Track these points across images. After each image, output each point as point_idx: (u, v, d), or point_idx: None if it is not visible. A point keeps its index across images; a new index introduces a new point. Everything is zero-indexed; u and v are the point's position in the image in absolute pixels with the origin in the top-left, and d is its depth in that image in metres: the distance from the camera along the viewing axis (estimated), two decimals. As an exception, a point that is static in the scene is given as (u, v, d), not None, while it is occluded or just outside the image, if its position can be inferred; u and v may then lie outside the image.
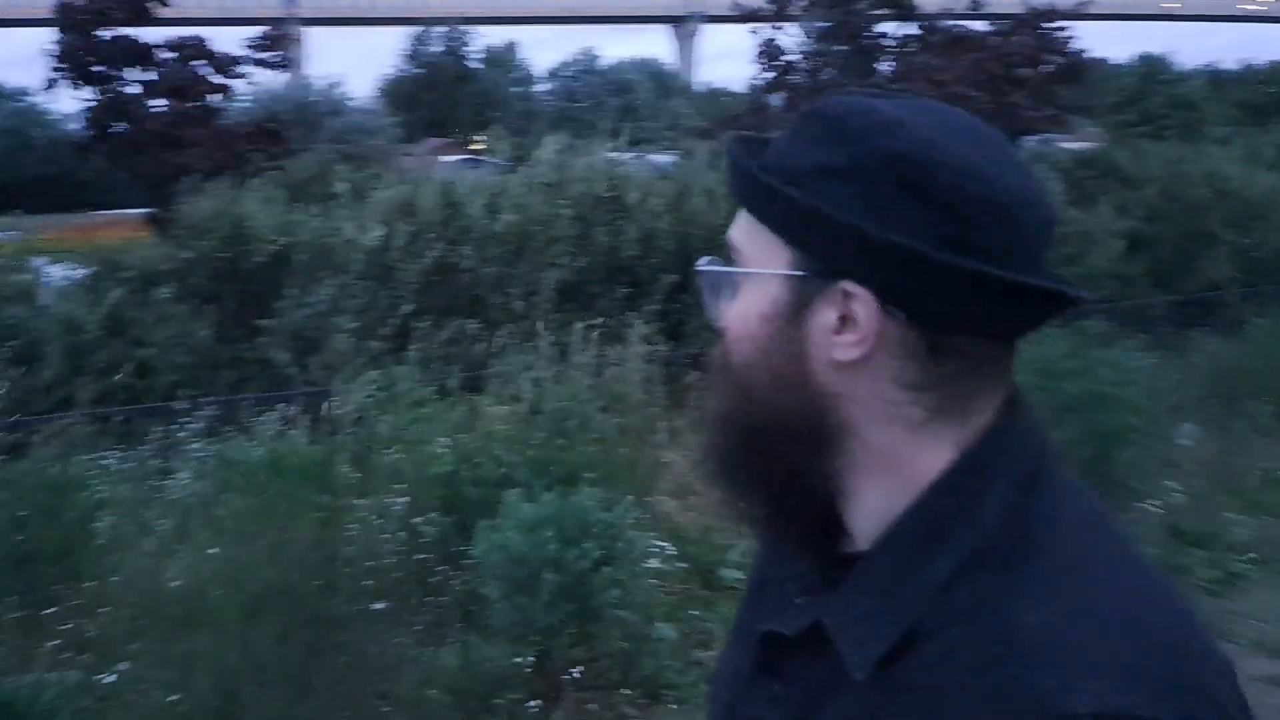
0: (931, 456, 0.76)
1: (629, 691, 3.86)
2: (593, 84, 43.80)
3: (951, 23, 14.58)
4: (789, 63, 14.18)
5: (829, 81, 13.49)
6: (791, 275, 0.76)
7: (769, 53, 13.98)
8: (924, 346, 0.74)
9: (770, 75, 14.26)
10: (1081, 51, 15.91)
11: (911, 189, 0.72)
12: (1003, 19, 15.73)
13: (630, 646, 3.93)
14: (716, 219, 6.94)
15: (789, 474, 0.80)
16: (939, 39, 14.03)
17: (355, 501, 4.63)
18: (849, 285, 0.74)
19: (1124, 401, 5.37)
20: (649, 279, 6.50)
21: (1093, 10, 15.91)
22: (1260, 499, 5.63)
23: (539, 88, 47.46)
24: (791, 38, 14.06)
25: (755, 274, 0.78)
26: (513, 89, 46.46)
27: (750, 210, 0.79)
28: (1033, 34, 14.92)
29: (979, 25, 14.98)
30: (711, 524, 5.11)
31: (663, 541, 4.37)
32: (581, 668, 3.81)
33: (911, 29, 14.18)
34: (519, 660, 3.74)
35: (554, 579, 3.49)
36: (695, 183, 7.28)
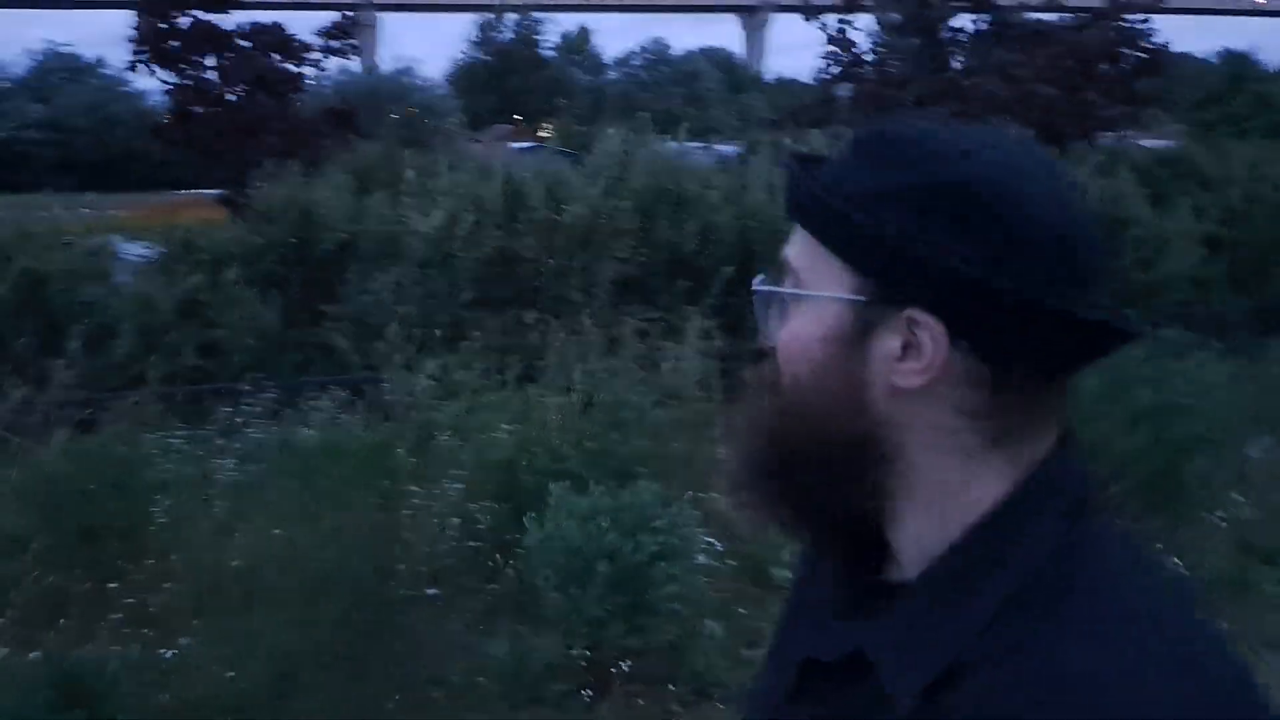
0: (983, 488, 0.75)
1: (676, 688, 3.87)
2: (662, 73, 43.77)
3: (1027, 16, 14.24)
4: (858, 55, 14.00)
5: (898, 76, 13.29)
6: (855, 300, 0.75)
7: (838, 44, 13.81)
8: (988, 377, 0.73)
9: (838, 68, 14.08)
10: (1161, 46, 15.44)
11: (977, 218, 0.71)
12: (1080, 12, 15.34)
13: (680, 642, 3.93)
14: (777, 212, 6.89)
15: (834, 495, 0.79)
16: (1014, 33, 13.71)
17: (412, 488, 4.70)
18: (915, 313, 0.73)
19: (1196, 412, 5.22)
20: (708, 272, 6.47)
21: (1173, 3, 15.37)
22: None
23: (609, 76, 47.59)
24: (861, 30, 13.90)
25: (819, 298, 0.77)
26: (583, 76, 46.65)
27: (811, 231, 0.78)
28: (1110, 27, 14.51)
29: (1055, 18, 14.60)
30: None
31: (713, 538, 4.36)
32: (631, 661, 3.82)
33: (986, 23, 13.89)
34: (571, 651, 3.77)
35: (608, 570, 3.50)
36: (756, 176, 7.22)
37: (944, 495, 0.76)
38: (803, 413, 0.78)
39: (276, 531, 4.19)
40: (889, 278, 0.74)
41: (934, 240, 0.72)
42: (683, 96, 38.72)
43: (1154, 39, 15.18)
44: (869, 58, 13.92)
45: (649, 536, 3.54)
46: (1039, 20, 14.48)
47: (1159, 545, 4.98)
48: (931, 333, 0.73)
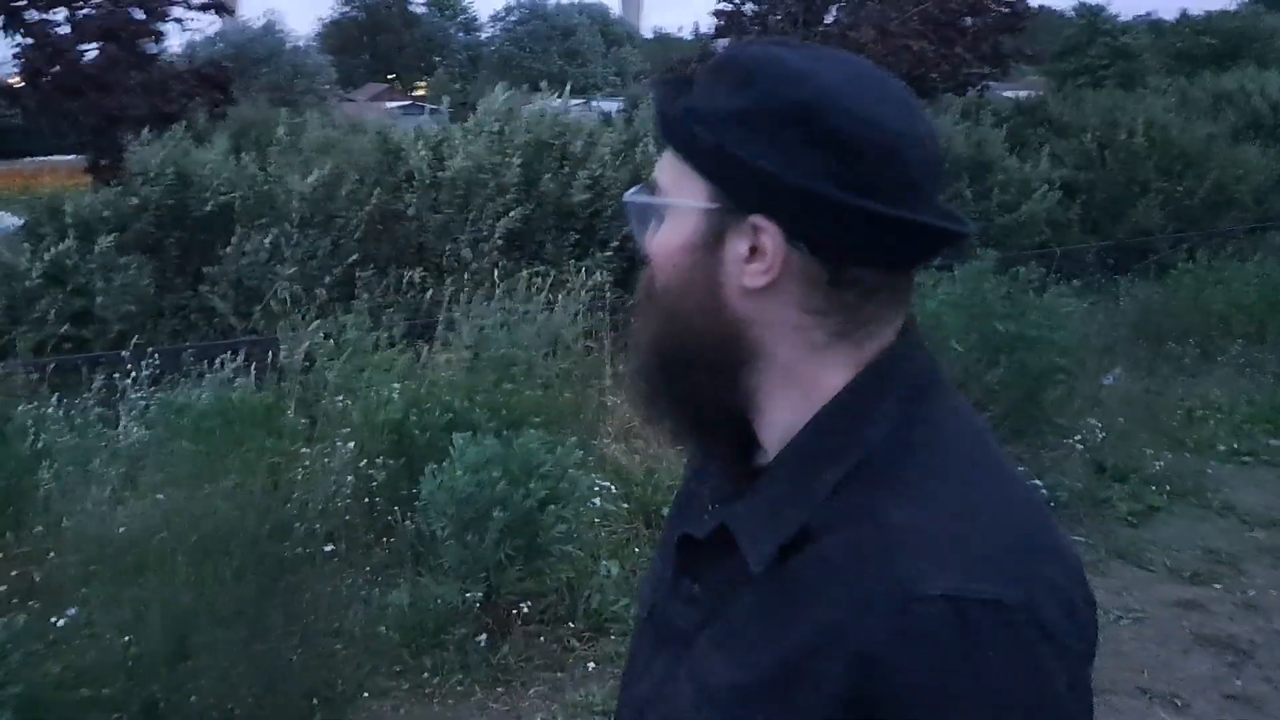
0: (831, 376, 0.84)
1: (574, 625, 4.00)
2: (538, 29, 43.17)
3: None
4: (740, 9, 14.13)
5: (779, 29, 13.47)
6: (708, 209, 0.83)
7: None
8: (825, 276, 0.81)
9: (721, 22, 14.20)
10: (1026, 1, 16.03)
11: (813, 134, 0.79)
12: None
13: (576, 582, 4.06)
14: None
15: (706, 391, 0.87)
16: (884, -14, 14.06)
17: (304, 449, 4.68)
18: (758, 219, 0.81)
19: (1053, 344, 5.57)
20: (597, 227, 6.54)
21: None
22: (1180, 436, 5.90)
23: (484, 33, 46.69)
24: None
25: (676, 206, 0.85)
26: (457, 34, 45.62)
27: (673, 148, 0.85)
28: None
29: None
30: (654, 465, 5.24)
31: (606, 482, 4.49)
32: (529, 603, 3.93)
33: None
34: (468, 596, 3.85)
35: (501, 517, 3.59)
36: (644, 131, 7.30)
37: (798, 385, 0.85)
38: (672, 315, 0.86)
39: (160, 496, 4.14)
40: (733, 188, 0.81)
41: (768, 153, 0.79)
42: (561, 53, 38.34)
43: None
44: (749, 11, 14.07)
45: (538, 483, 3.64)
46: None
47: (1021, 467, 5.34)
48: (771, 236, 0.81)
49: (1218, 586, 4.48)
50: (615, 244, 6.64)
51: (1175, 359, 6.86)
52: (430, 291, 5.95)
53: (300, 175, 6.31)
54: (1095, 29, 29.57)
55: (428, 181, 6.44)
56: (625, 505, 4.76)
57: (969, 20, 15.22)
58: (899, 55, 13.17)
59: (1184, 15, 36.83)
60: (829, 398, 0.84)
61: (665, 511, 4.95)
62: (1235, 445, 5.90)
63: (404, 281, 5.89)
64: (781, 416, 0.87)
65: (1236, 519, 5.11)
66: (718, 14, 14.09)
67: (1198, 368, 6.80)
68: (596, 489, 4.18)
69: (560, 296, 5.83)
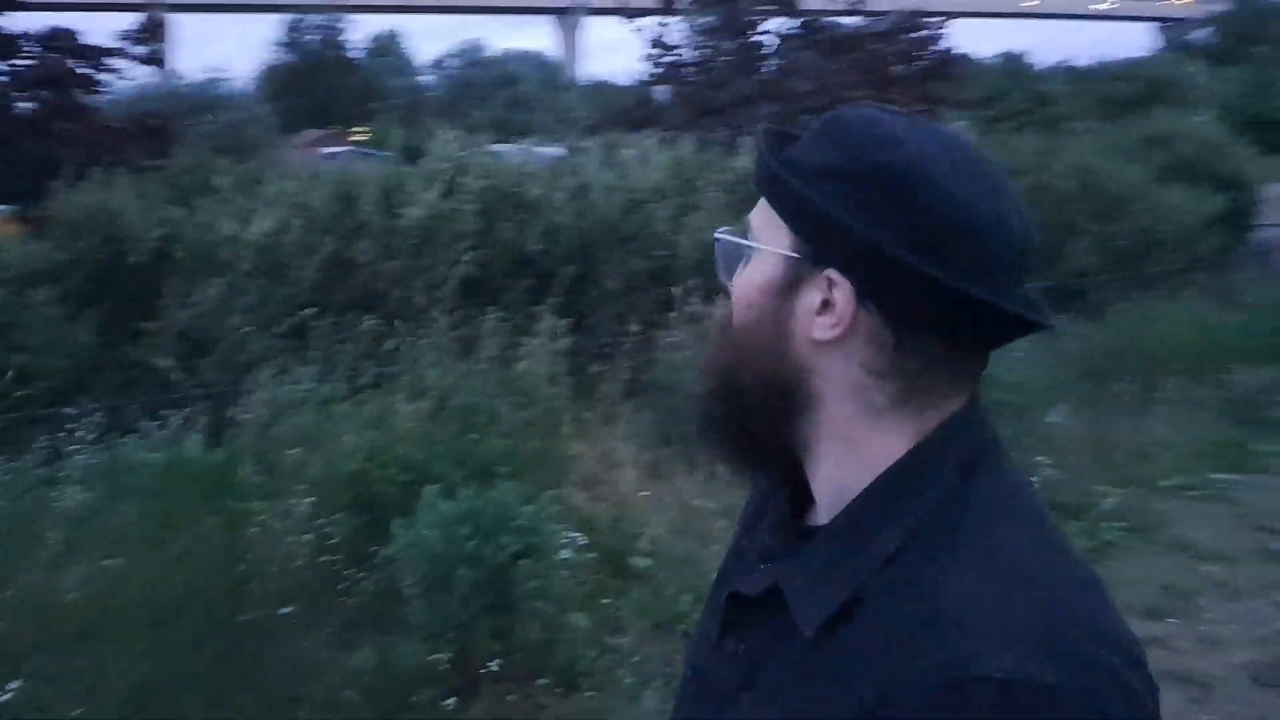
0: (889, 441, 0.85)
1: (546, 681, 3.92)
2: (478, 75, 43.36)
3: (831, 20, 14.95)
4: (678, 58, 14.35)
5: (718, 78, 13.69)
6: (789, 256, 0.86)
7: (658, 47, 14.11)
8: (890, 340, 0.83)
9: (659, 70, 14.39)
10: (949, 49, 16.52)
11: (894, 198, 0.80)
12: (876, 15, 16.23)
13: (547, 637, 3.98)
14: (613, 214, 7.03)
15: (761, 429, 0.89)
16: (821, 38, 14.39)
17: (259, 505, 4.55)
18: (833, 274, 0.83)
19: (1002, 382, 5.68)
20: (552, 272, 6.53)
21: (957, 9, 16.44)
22: (1129, 472, 6.03)
23: (423, 78, 46.73)
24: (679, 33, 14.23)
25: (760, 249, 0.89)
26: (396, 79, 45.60)
27: (764, 194, 0.89)
28: (906, 35, 15.41)
29: (858, 21, 15.38)
30: (620, 513, 5.20)
31: (574, 532, 4.43)
32: (500, 661, 3.85)
33: (794, 27, 14.50)
34: (436, 656, 3.76)
35: (470, 574, 3.51)
36: (595, 179, 7.33)
37: (852, 446, 0.86)
38: (741, 350, 0.90)
39: (114, 560, 3.99)
40: (814, 240, 0.84)
41: (849, 210, 0.81)
42: (502, 99, 38.53)
43: (943, 43, 16.22)
44: (688, 60, 14.28)
45: (510, 537, 3.58)
46: (841, 26, 15.22)
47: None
48: (843, 292, 0.83)
49: (1175, 622, 4.55)
50: (567, 289, 6.62)
51: (1117, 397, 7.03)
52: (387, 340, 5.87)
53: (248, 224, 6.21)
54: (1016, 76, 30.66)
55: (382, 229, 6.39)
56: (592, 555, 4.70)
57: (899, 69, 15.63)
58: (837, 102, 13.49)
59: (1100, 63, 38.52)
60: (885, 463, 0.85)
61: (632, 560, 4.91)
62: (1182, 481, 6.04)
63: (360, 330, 5.80)
64: (834, 474, 0.88)
65: (1190, 554, 5.22)
66: (654, 61, 14.27)
67: (1139, 405, 6.97)
68: (564, 540, 4.12)
69: (520, 344, 5.80)
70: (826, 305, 0.84)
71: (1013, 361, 5.89)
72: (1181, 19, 63.83)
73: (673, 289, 6.47)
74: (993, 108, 27.80)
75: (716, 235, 0.95)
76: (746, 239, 0.91)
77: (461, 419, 4.92)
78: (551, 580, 3.88)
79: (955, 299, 0.79)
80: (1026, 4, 73.80)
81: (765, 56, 14.18)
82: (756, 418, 0.89)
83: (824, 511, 0.89)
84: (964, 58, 18.70)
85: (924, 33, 15.26)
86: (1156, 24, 68.66)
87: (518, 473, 4.48)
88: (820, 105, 13.59)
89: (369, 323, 5.94)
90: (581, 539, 4.30)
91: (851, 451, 0.86)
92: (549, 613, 3.99)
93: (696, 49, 14.09)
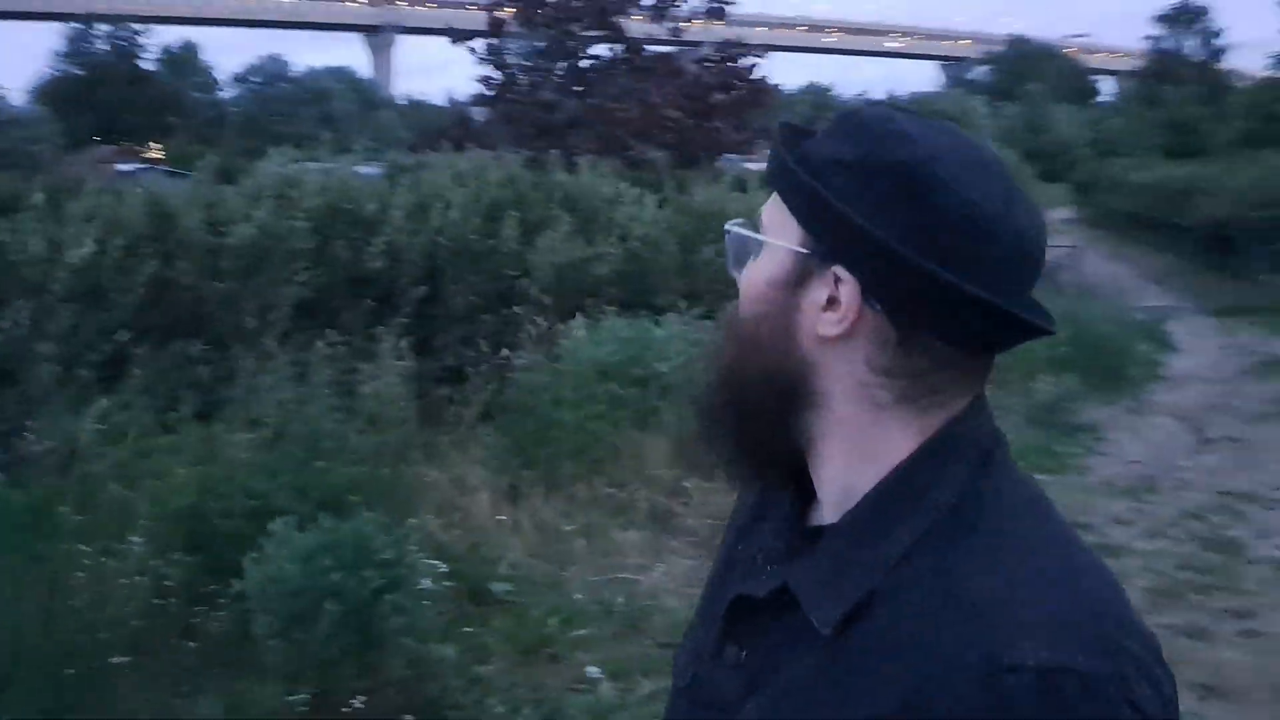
0: (895, 439, 0.84)
1: (413, 717, 3.74)
2: (285, 91, 41.74)
3: (655, 48, 15.27)
4: (507, 79, 14.28)
5: (547, 99, 13.71)
6: (797, 251, 0.84)
7: (491, 66, 14.01)
8: (895, 338, 0.81)
9: (488, 91, 14.29)
10: (764, 79, 17.20)
11: (903, 194, 0.79)
12: (694, 45, 16.72)
13: (412, 671, 3.81)
14: (458, 232, 6.87)
15: (765, 423, 0.87)
16: (645, 64, 14.66)
17: (82, 547, 4.15)
18: (840, 270, 0.81)
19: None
20: (395, 292, 6.32)
21: (753, 41, 17.10)
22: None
23: (224, 93, 44.60)
24: (508, 54, 14.19)
25: (769, 244, 0.87)
26: (195, 94, 43.31)
27: (775, 188, 0.87)
28: (723, 63, 15.92)
29: (679, 48, 15.77)
30: (478, 540, 5.06)
31: (435, 561, 4.27)
32: (363, 698, 3.64)
33: (620, 52, 14.71)
34: (294, 698, 3.52)
35: (335, 609, 3.32)
36: (433, 194, 7.16)
37: (857, 443, 0.85)
38: (747, 343, 0.88)
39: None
40: (822, 235, 0.82)
41: (856, 204, 0.79)
42: (313, 116, 37.20)
43: (757, 74, 16.87)
44: (518, 81, 14.24)
45: (374, 569, 3.41)
46: (664, 54, 15.57)
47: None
48: (849, 289, 0.81)
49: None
50: (412, 310, 6.43)
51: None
52: (216, 366, 5.51)
53: (61, 244, 5.70)
54: (822, 107, 32.39)
55: (207, 249, 6.01)
56: (450, 584, 4.54)
57: (719, 96, 16.12)
58: (662, 127, 13.74)
59: (891, 96, 41.36)
60: (893, 461, 0.84)
61: (492, 586, 4.78)
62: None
63: (186, 356, 5.42)
64: (840, 472, 0.86)
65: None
66: (485, 80, 14.18)
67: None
68: (426, 569, 3.96)
69: (362, 367, 5.57)
70: (832, 302, 0.82)
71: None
72: (962, 58, 69.03)
73: (522, 309, 6.38)
74: (802, 136, 29.29)
75: (727, 228, 0.93)
76: (757, 233, 0.89)
77: (305, 447, 4.66)
78: (416, 612, 3.71)
79: (960, 300, 0.78)
80: (825, 40, 77.96)
81: (592, 80, 14.30)
82: (762, 412, 0.87)
83: (830, 510, 0.87)
84: (775, 88, 19.50)
85: (740, 63, 15.80)
86: (940, 62, 74.01)
87: (370, 502, 4.29)
88: (645, 129, 13.85)
89: (196, 348, 5.57)
90: (442, 567, 4.15)
91: (858, 449, 0.85)
92: (413, 646, 3.82)
93: (525, 71, 14.07)
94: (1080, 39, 62.25)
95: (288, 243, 5.85)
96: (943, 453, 0.83)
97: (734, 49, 15.75)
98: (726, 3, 15.24)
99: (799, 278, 0.84)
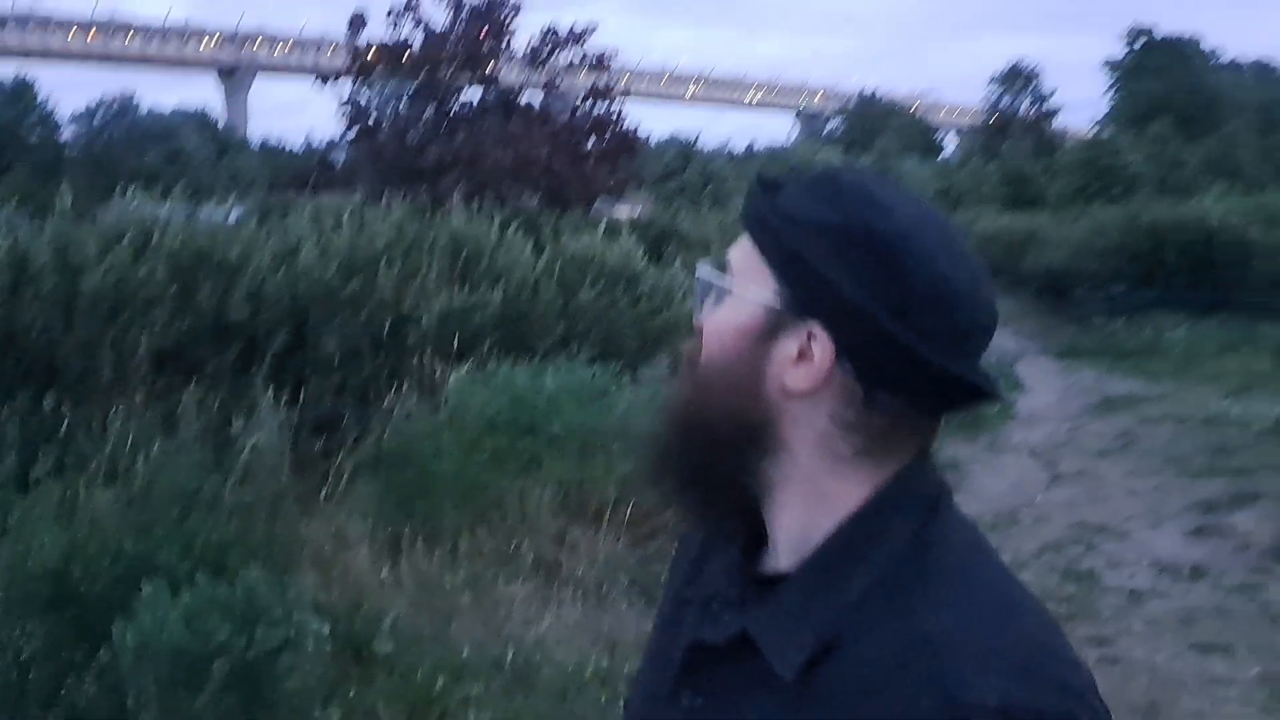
0: (851, 488, 0.88)
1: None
2: (130, 131, 39.99)
3: (528, 92, 15.37)
4: (373, 122, 14.09)
5: (417, 142, 13.58)
6: (771, 304, 0.87)
7: (355, 110, 13.79)
8: (860, 396, 0.85)
9: (351, 134, 14.06)
10: (635, 128, 17.56)
11: (881, 263, 0.83)
12: (562, 92, 16.91)
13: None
14: (330, 277, 6.71)
15: (723, 469, 0.89)
16: (516, 110, 14.72)
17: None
18: (815, 327, 0.85)
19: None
20: (262, 340, 6.10)
21: (630, 90, 17.49)
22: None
23: (64, 132, 42.43)
24: (374, 97, 14.01)
25: (741, 294, 0.89)
26: (31, 131, 41.04)
27: (753, 238, 0.90)
28: (593, 111, 16.16)
29: (552, 94, 15.92)
30: (358, 596, 4.88)
31: (317, 620, 4.09)
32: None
33: (491, 97, 14.74)
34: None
35: (223, 671, 3.15)
36: (302, 238, 6.98)
37: (815, 492, 0.88)
38: (709, 388, 0.89)
39: None
40: (800, 292, 0.86)
41: (838, 269, 0.84)
42: (161, 156, 35.73)
43: (626, 124, 17.20)
44: (385, 124, 14.06)
45: (265, 629, 3.25)
46: (535, 100, 15.70)
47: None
48: (823, 347, 0.85)
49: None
50: (282, 358, 6.22)
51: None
52: (69, 418, 5.20)
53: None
54: (689, 156, 33.23)
55: (59, 295, 5.69)
56: (330, 646, 4.36)
57: (591, 144, 16.34)
58: (534, 170, 13.81)
59: (750, 148, 42.70)
60: (849, 509, 0.87)
61: (375, 646, 4.61)
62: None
63: (42, 407, 5.10)
64: (796, 519, 0.89)
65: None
66: (349, 123, 13.95)
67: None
68: (312, 628, 3.79)
69: (230, 418, 5.35)
70: (802, 356, 0.86)
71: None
72: (815, 114, 71.93)
73: (402, 357, 6.25)
74: (669, 183, 29.93)
75: (699, 272, 0.95)
76: (725, 278, 0.91)
77: (175, 503, 4.42)
78: (303, 673, 3.55)
79: (928, 368, 0.83)
80: (688, 92, 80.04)
81: (463, 124, 14.26)
82: (721, 457, 0.89)
83: (784, 555, 0.89)
84: (641, 138, 19.88)
85: (611, 112, 16.07)
86: (794, 114, 76.91)
87: (247, 559, 4.09)
88: (521, 175, 13.88)
89: (50, 400, 5.25)
90: (325, 627, 3.98)
91: (814, 497, 0.88)
92: (300, 709, 3.65)
93: (393, 113, 13.91)
94: (925, 95, 65.91)
95: (146, 288, 5.59)
96: (894, 502, 0.87)
97: (605, 97, 16.01)
98: (606, 55, 15.50)
99: (769, 330, 0.87)
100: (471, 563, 5.24)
